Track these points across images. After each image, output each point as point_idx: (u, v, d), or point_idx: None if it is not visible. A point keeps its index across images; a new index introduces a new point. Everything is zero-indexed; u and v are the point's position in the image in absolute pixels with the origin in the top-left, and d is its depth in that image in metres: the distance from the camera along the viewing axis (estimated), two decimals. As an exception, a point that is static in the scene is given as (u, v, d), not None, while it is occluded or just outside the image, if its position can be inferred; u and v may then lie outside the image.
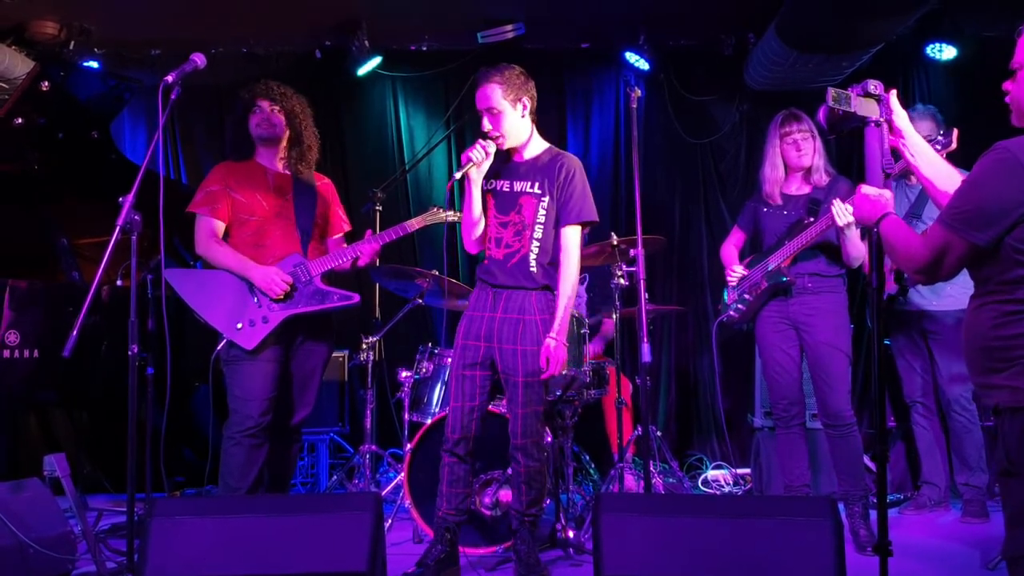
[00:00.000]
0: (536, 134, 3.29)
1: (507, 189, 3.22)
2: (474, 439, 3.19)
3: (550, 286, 3.19)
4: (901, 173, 3.63)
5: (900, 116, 2.33)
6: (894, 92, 2.35)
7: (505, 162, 3.26)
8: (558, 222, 3.18)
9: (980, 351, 2.01)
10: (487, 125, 3.15)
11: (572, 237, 3.17)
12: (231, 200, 3.48)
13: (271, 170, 3.58)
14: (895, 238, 2.15)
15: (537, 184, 3.19)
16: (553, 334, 3.09)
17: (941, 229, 2.00)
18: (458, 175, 3.12)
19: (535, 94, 3.22)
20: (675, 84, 5.74)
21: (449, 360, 3.78)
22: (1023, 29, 2.06)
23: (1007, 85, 2.10)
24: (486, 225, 3.26)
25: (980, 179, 1.98)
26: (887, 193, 2.26)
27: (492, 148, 3.14)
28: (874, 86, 2.32)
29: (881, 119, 2.31)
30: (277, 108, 3.55)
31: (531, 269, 3.17)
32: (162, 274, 3.28)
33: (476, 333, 3.19)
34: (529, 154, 3.25)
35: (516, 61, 3.30)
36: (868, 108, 2.32)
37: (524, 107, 3.17)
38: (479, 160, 3.11)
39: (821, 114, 2.35)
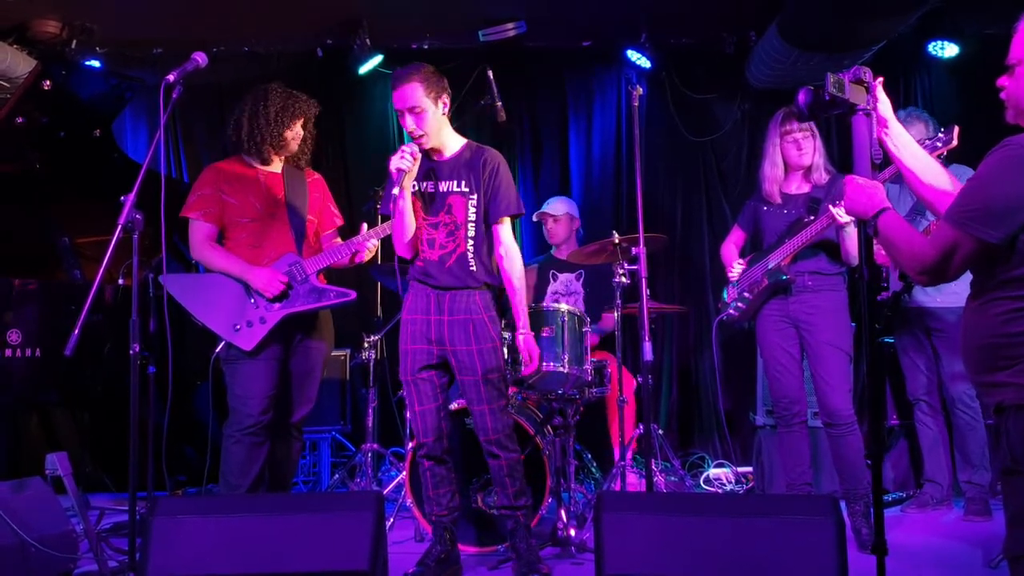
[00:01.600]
0: (453, 132, 3.26)
1: (432, 189, 3.20)
2: (447, 436, 3.21)
3: (490, 283, 3.21)
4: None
5: (885, 105, 2.30)
6: (881, 80, 2.32)
7: (428, 162, 3.23)
8: (488, 218, 3.18)
9: (984, 348, 1.98)
10: (410, 125, 3.10)
11: (506, 231, 3.20)
12: (223, 203, 3.47)
13: (262, 170, 3.57)
14: (897, 237, 2.09)
15: (464, 182, 3.17)
16: (522, 329, 3.18)
17: (949, 228, 1.95)
18: (395, 190, 3.05)
19: (450, 92, 3.20)
20: (676, 82, 5.74)
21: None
22: (1019, 26, 2.03)
23: (1002, 81, 2.07)
24: (416, 227, 3.22)
25: (990, 175, 1.93)
26: (879, 184, 2.22)
27: (418, 152, 3.11)
28: (864, 73, 2.29)
29: (868, 107, 2.27)
30: (303, 122, 3.58)
31: (471, 268, 3.17)
32: (162, 275, 3.28)
33: (424, 336, 3.17)
34: (450, 152, 3.23)
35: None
36: (857, 95, 2.28)
37: (444, 105, 3.15)
38: (408, 167, 3.06)
39: (802, 97, 2.31)
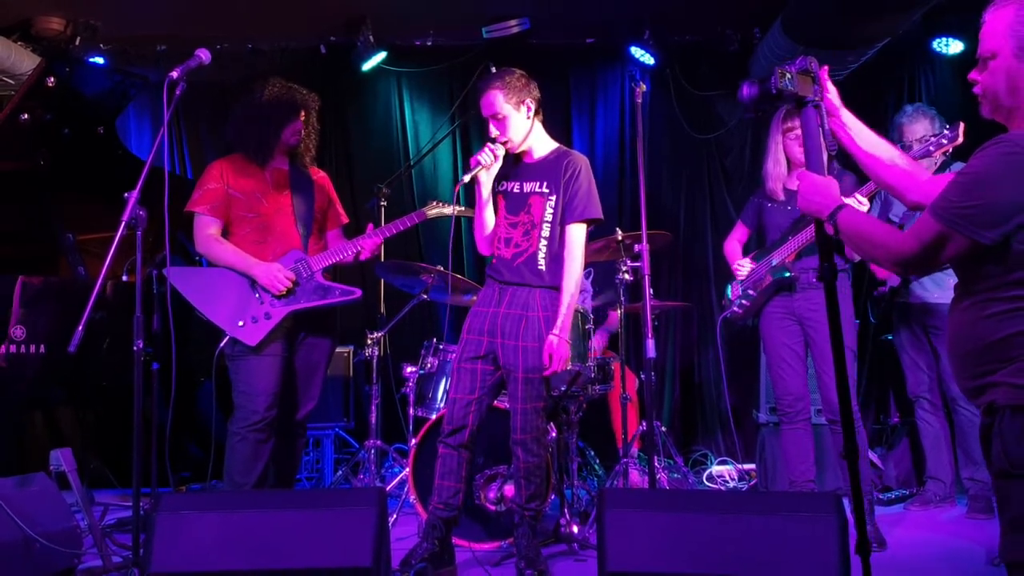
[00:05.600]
0: (544, 134, 3.29)
1: (517, 190, 3.25)
2: (471, 432, 3.17)
3: (557, 285, 3.18)
4: None
5: (833, 94, 2.24)
6: (826, 68, 2.24)
7: (515, 164, 3.28)
8: (563, 219, 3.19)
9: (977, 350, 1.92)
10: (494, 131, 3.18)
11: (575, 234, 3.17)
12: (230, 198, 3.46)
13: (269, 166, 3.56)
14: (866, 230, 2.03)
15: (545, 183, 3.20)
16: (556, 331, 3.10)
17: (936, 223, 1.87)
18: (466, 178, 3.16)
19: (538, 95, 3.22)
20: (680, 79, 5.73)
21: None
22: (987, 17, 1.99)
23: (974, 75, 2.01)
24: (496, 225, 3.27)
25: (985, 174, 1.86)
26: (833, 180, 2.16)
27: (501, 151, 3.16)
28: (810, 63, 2.20)
29: (817, 98, 2.20)
30: (304, 117, 3.56)
31: (540, 267, 3.18)
32: (166, 270, 3.28)
33: (479, 328, 3.20)
34: (538, 154, 3.27)
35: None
36: (805, 87, 2.19)
37: (528, 109, 3.18)
38: (488, 163, 3.14)
39: (745, 90, 2.21)
